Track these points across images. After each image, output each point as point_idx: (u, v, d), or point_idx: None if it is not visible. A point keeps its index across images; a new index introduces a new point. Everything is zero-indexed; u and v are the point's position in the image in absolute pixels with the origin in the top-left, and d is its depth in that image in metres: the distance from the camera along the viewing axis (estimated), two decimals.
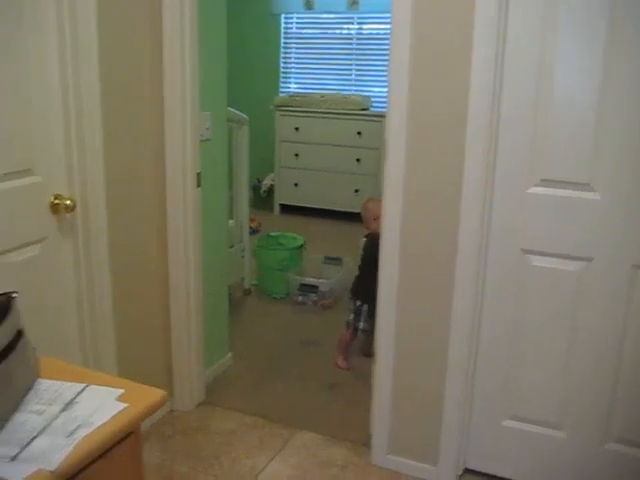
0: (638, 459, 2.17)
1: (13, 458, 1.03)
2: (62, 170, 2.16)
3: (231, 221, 3.80)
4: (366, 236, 3.40)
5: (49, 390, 1.22)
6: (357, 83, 6.12)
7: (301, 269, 4.19)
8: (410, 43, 2.09)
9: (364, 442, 2.57)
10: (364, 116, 5.67)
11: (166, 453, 2.50)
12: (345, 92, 5.97)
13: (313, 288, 3.97)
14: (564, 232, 2.11)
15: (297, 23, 6.28)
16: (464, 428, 2.34)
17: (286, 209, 6.11)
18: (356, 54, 6.06)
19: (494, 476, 2.37)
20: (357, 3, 5.85)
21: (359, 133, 5.65)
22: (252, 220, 4.84)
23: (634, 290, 2.06)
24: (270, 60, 6.30)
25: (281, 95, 6.20)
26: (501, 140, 2.11)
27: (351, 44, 6.06)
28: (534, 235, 2.15)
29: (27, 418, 1.13)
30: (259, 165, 5.88)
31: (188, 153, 2.56)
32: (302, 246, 4.24)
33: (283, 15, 6.23)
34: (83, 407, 1.17)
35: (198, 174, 2.63)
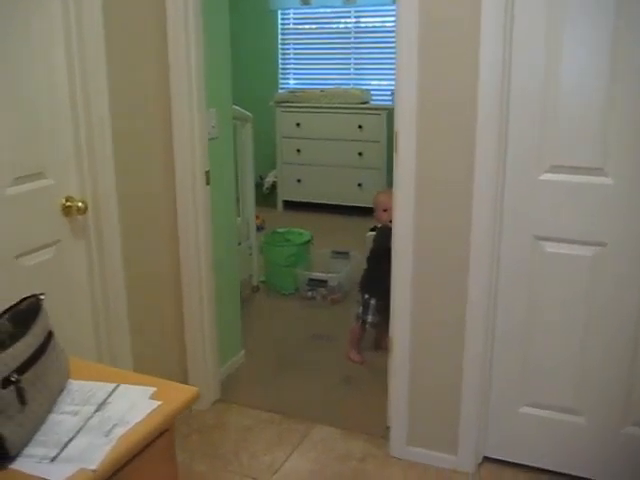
0: None
1: (53, 459, 1.04)
2: (73, 172, 2.17)
3: (238, 218, 3.80)
4: (372, 229, 3.40)
5: (81, 391, 1.23)
6: (356, 77, 6.11)
7: (309, 264, 4.19)
8: (418, 31, 2.09)
9: (382, 434, 2.58)
10: (364, 109, 5.66)
11: (184, 452, 2.50)
12: (344, 86, 5.97)
13: (322, 283, 3.97)
14: (577, 218, 2.12)
15: (294, 19, 6.26)
16: (482, 416, 2.35)
17: (289, 205, 6.11)
18: (354, 48, 6.05)
19: (513, 463, 2.38)
20: None
21: (360, 127, 5.65)
22: (256, 217, 4.83)
23: None
24: (268, 56, 6.28)
25: (281, 91, 6.19)
26: (511, 128, 2.11)
27: (349, 38, 6.04)
28: (546, 222, 2.16)
29: (62, 419, 1.14)
30: (261, 162, 5.85)
31: (197, 151, 2.56)
32: (309, 241, 4.24)
33: (280, 11, 6.21)
34: (117, 406, 1.18)
35: (207, 172, 2.63)
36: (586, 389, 2.22)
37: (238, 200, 3.85)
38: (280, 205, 6.14)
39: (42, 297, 1.24)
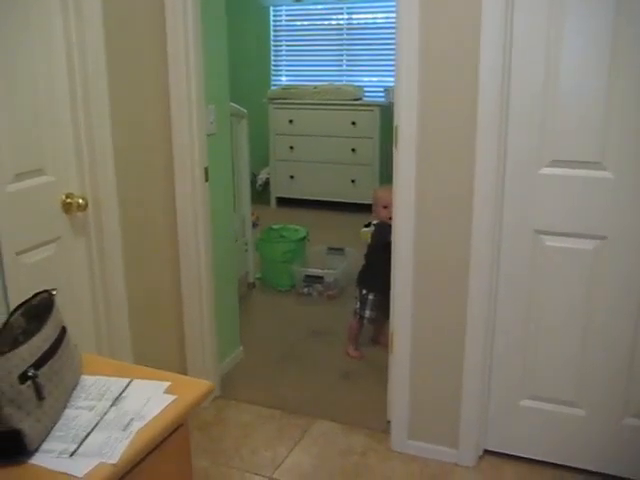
0: None
1: (72, 454, 1.04)
2: (73, 169, 2.16)
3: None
4: (366, 225, 3.40)
5: (95, 385, 1.23)
6: (348, 73, 6.12)
7: (304, 261, 4.19)
8: (419, 27, 2.09)
9: (382, 429, 2.59)
10: (357, 106, 5.67)
11: None
12: (337, 83, 5.97)
13: (318, 279, 3.98)
14: (577, 212, 2.13)
15: (286, 15, 6.25)
16: (483, 409, 2.37)
17: (283, 202, 6.10)
18: (346, 44, 6.06)
19: (514, 456, 2.40)
20: None
21: (353, 123, 5.66)
22: (251, 214, 4.83)
23: None
24: (261, 53, 6.27)
25: (273, 88, 6.18)
26: (511, 121, 2.12)
27: (341, 34, 6.05)
28: (547, 215, 2.17)
29: (78, 414, 1.14)
30: (254, 159, 5.84)
31: (196, 147, 2.56)
32: (305, 238, 4.24)
33: (272, 7, 6.20)
34: (132, 401, 1.18)
35: (206, 169, 2.63)
36: (586, 382, 2.24)
37: (234, 197, 3.84)
38: (273, 202, 6.14)
39: (54, 292, 1.23)
